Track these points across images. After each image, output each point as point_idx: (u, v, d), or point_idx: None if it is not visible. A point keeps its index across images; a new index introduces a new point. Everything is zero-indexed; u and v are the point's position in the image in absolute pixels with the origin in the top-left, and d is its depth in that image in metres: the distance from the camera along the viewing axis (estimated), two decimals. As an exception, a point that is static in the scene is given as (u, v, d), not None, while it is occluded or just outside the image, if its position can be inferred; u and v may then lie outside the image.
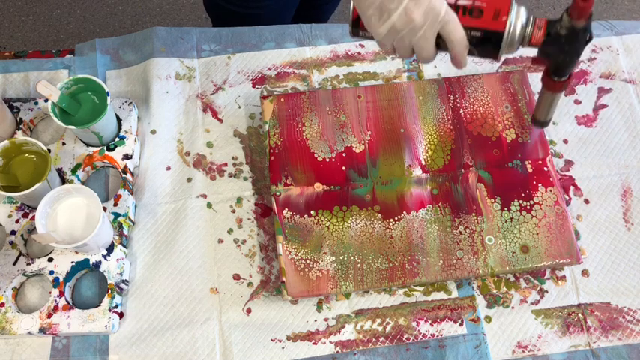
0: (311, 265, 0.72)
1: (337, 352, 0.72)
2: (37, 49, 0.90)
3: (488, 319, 0.74)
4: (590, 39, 0.58)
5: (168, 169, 0.80)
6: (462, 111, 0.82)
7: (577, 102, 0.86)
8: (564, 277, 0.76)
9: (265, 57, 0.88)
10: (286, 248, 0.73)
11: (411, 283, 0.73)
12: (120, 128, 0.79)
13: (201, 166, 0.80)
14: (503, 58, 0.65)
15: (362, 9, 0.57)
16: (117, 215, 0.74)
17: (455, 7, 0.58)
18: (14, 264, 0.72)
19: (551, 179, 0.78)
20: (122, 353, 0.70)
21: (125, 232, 0.75)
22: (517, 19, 0.58)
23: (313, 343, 0.72)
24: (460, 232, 0.75)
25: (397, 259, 0.73)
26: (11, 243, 0.73)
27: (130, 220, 0.76)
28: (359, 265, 0.73)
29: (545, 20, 0.59)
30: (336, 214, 0.75)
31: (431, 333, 0.73)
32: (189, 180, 0.79)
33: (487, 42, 0.59)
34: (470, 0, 0.58)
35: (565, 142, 0.84)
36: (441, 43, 0.59)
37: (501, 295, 0.75)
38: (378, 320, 0.73)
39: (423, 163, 0.79)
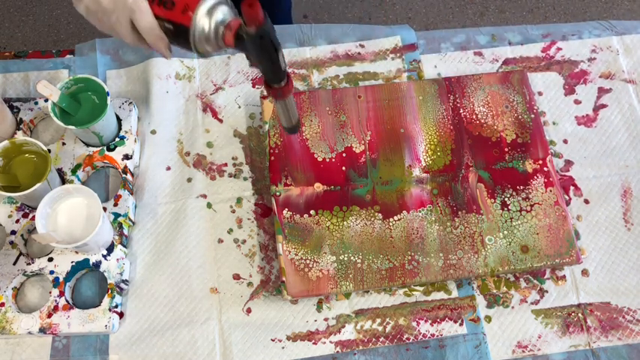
0: (311, 265, 0.72)
1: (337, 352, 0.72)
2: (37, 49, 0.90)
3: (489, 319, 0.74)
4: (277, 46, 0.54)
5: (169, 169, 0.80)
6: (461, 111, 0.82)
7: (577, 102, 0.86)
8: (564, 277, 0.76)
9: (265, 57, 0.87)
10: (286, 248, 0.73)
11: (411, 283, 0.73)
12: (120, 128, 0.79)
13: (201, 166, 0.80)
14: (212, 54, 0.61)
15: None
16: (117, 215, 0.74)
17: None
18: (14, 264, 0.72)
19: (551, 179, 0.78)
20: (122, 353, 0.70)
21: (125, 232, 0.75)
22: (209, 17, 0.56)
23: (313, 343, 0.72)
24: (460, 232, 0.75)
25: (397, 259, 0.73)
26: (11, 243, 0.73)
27: (130, 220, 0.76)
28: (359, 265, 0.73)
29: (238, 22, 0.55)
30: (336, 214, 0.75)
31: (431, 333, 0.73)
32: (189, 180, 0.79)
33: (179, 35, 0.58)
34: None
35: (565, 142, 0.84)
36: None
37: (501, 295, 0.75)
38: (378, 320, 0.73)
39: (423, 163, 0.79)
